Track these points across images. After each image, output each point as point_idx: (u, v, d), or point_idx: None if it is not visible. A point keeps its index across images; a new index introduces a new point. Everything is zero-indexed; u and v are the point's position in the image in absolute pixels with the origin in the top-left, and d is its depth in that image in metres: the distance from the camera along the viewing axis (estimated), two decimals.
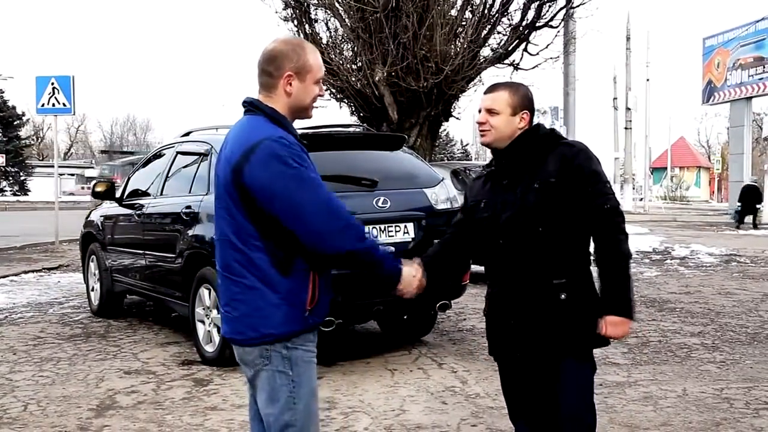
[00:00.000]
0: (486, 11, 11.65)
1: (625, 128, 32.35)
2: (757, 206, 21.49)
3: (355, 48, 11.88)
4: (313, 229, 2.06)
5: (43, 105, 13.65)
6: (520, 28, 12.05)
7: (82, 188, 52.96)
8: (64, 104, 13.61)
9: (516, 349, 2.58)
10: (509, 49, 12.16)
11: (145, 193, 6.46)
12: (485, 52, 12.05)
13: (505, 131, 2.54)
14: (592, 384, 2.59)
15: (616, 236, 2.44)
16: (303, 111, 2.25)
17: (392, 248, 4.91)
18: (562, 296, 2.46)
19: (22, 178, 49.84)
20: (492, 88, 2.61)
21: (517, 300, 2.53)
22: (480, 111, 2.58)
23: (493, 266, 2.63)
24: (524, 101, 2.56)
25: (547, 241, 2.46)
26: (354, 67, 11.87)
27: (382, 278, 2.26)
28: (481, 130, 2.59)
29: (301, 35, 12.21)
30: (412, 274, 2.38)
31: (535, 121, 2.62)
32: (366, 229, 2.22)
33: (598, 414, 2.66)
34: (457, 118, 12.85)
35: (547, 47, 12.40)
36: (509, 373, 2.68)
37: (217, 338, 5.08)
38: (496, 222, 2.54)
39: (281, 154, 2.05)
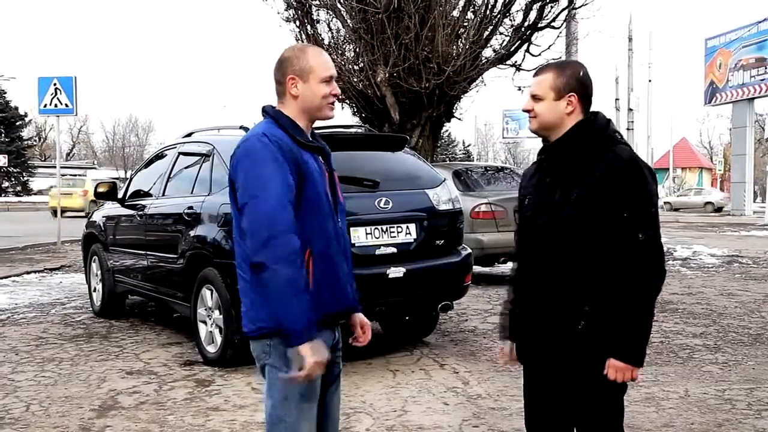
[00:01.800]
0: (488, 12, 11.65)
1: (627, 129, 32.23)
2: None
3: (357, 49, 11.88)
4: (246, 229, 2.08)
5: (45, 105, 13.68)
6: (522, 29, 12.05)
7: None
8: (66, 105, 13.63)
9: (537, 363, 2.38)
10: (511, 49, 12.15)
11: (147, 194, 6.47)
12: (487, 52, 12.05)
13: (550, 118, 2.25)
14: (621, 410, 2.32)
15: (644, 272, 2.13)
16: (315, 111, 2.25)
17: (394, 249, 4.92)
18: (580, 325, 2.19)
19: (24, 178, 49.90)
20: (539, 71, 2.32)
21: (535, 318, 2.32)
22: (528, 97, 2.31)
23: (523, 268, 2.41)
24: (571, 82, 2.24)
25: (573, 261, 2.19)
26: (356, 67, 11.87)
27: (277, 318, 2.04)
28: (529, 118, 2.33)
29: (303, 36, 12.24)
30: (315, 350, 2.02)
31: None
32: (302, 261, 1.99)
33: None
34: (459, 119, 12.86)
35: (549, 48, 12.41)
36: (531, 380, 2.44)
37: (219, 339, 5.08)
38: (534, 225, 2.31)
39: (253, 151, 2.11)
